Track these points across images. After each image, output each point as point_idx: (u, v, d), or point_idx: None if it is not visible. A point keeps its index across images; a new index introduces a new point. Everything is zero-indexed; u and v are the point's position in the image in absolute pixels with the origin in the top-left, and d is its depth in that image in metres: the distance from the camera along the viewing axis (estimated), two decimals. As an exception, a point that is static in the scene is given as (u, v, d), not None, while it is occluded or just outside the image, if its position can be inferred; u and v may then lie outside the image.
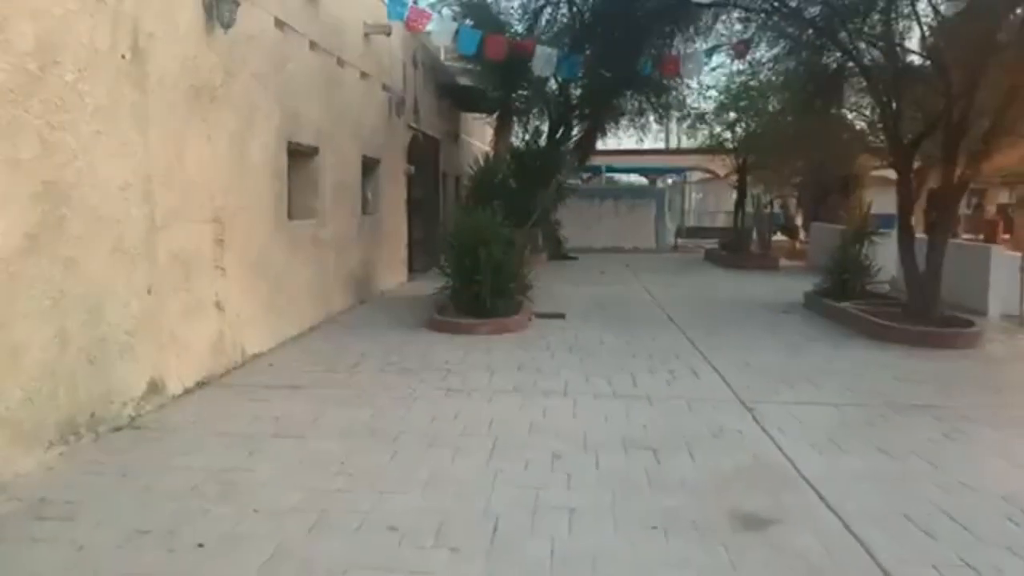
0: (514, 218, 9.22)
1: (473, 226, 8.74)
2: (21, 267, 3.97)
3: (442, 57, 16.22)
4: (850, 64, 9.63)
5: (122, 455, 4.31)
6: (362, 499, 3.75)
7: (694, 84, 15.51)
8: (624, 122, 15.24)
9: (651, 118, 14.42)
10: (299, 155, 8.24)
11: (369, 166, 10.92)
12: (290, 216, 7.93)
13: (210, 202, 6.04)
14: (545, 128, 15.10)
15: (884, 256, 11.40)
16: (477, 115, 20.70)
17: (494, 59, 11.00)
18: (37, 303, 4.09)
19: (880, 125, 13.41)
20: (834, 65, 9.52)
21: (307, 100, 8.20)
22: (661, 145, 31.59)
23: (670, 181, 29.34)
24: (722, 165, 27.89)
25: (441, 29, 10.75)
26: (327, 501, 3.73)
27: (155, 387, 5.24)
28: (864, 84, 9.86)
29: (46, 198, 4.14)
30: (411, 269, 13.51)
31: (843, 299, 9.92)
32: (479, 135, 21.90)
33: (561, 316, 9.48)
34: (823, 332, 8.85)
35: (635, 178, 30.75)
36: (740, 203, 18.64)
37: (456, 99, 16.58)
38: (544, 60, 10.97)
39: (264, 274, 7.12)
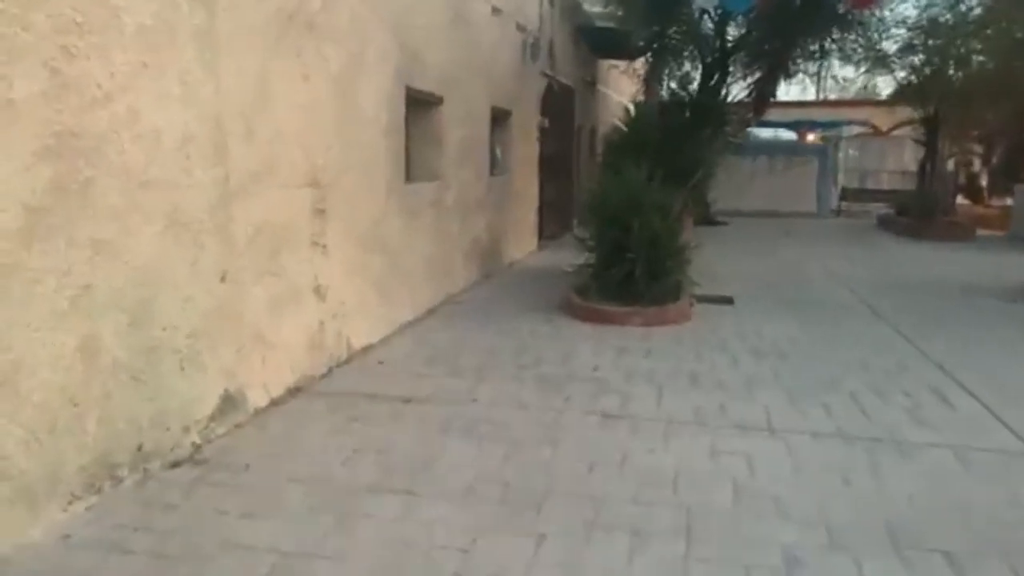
0: (669, 179, 7.50)
1: (624, 190, 7.11)
2: (20, 254, 2.78)
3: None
4: None
5: (168, 515, 3.11)
6: (498, 642, 2.35)
7: (878, 19, 12.93)
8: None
9: (828, 61, 12.03)
10: (419, 104, 6.88)
11: (499, 118, 9.47)
12: (408, 178, 6.61)
13: (307, 161, 4.76)
14: (696, 75, 13.03)
15: None
16: (615, 62, 18.80)
17: (648, -11, 9.16)
18: (48, 305, 2.90)
19: None
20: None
21: (430, 37, 6.79)
22: (810, 96, 28.29)
23: (812, 136, 26.15)
24: (890, 118, 24.60)
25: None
26: (443, 641, 2.35)
27: (230, 402, 4.05)
28: None
29: (60, 155, 2.92)
30: (540, 235, 12.08)
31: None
32: (615, 85, 19.97)
33: (729, 301, 7.76)
34: (1086, 333, 6.69)
35: (783, 134, 27.75)
36: (929, 160, 15.84)
37: (594, 43, 14.81)
38: (709, -13, 9.05)
39: (375, 249, 5.85)
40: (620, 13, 12.22)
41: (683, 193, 7.98)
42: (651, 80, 11.74)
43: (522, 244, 10.86)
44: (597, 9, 14.07)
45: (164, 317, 3.53)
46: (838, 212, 19.44)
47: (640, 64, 21.38)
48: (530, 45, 10.20)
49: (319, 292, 4.99)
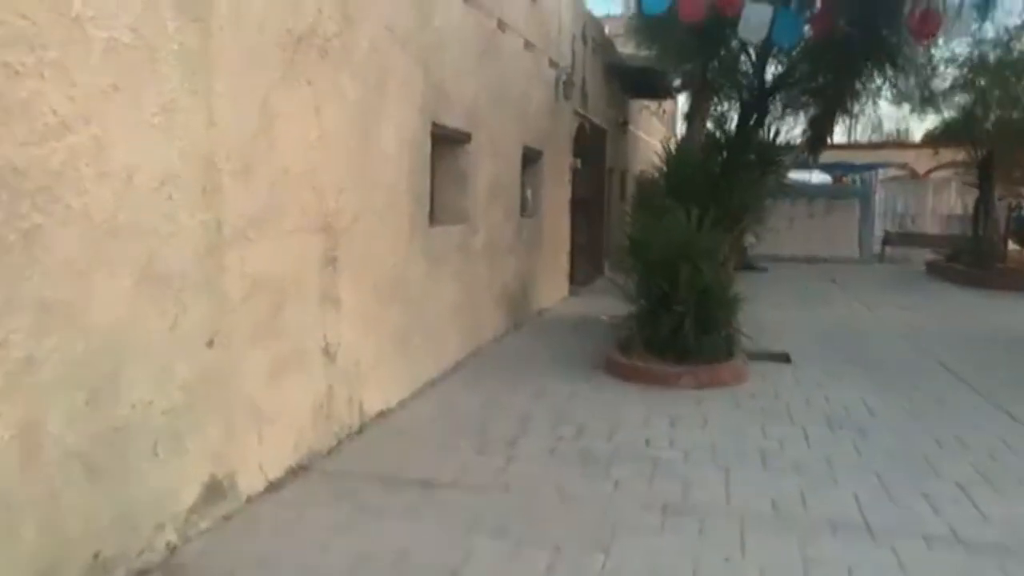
0: (715, 224, 6.84)
1: (669, 235, 6.44)
2: (-66, 324, 2.17)
3: (606, 32, 14.03)
4: None
5: (119, 654, 2.44)
6: None
7: (928, 57, 12.31)
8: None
9: (874, 101, 11.35)
10: (446, 141, 6.32)
11: (530, 158, 8.90)
12: (432, 221, 6.02)
13: (317, 203, 4.17)
14: (735, 114, 12.43)
15: None
16: (646, 103, 18.30)
17: (690, 19, 8.57)
18: (-28, 386, 2.29)
19: None
20: None
21: (458, 70, 6.25)
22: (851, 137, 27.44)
23: (846, 179, 25.31)
24: (928, 160, 23.78)
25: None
26: None
27: (217, 490, 3.39)
28: None
29: (-5, 197, 2.33)
30: (571, 280, 11.41)
31: None
32: (645, 127, 19.51)
33: (785, 358, 7.00)
34: None
35: (815, 177, 26.90)
36: (983, 204, 15.01)
37: (626, 83, 14.32)
38: (756, 21, 8.42)
39: (395, 300, 5.22)
40: (655, 52, 11.72)
41: (732, 239, 7.31)
42: (691, 119, 11.16)
43: (553, 290, 10.20)
44: (629, 50, 13.66)
45: (134, 392, 2.90)
46: (881, 258, 18.56)
47: (670, 105, 20.89)
48: (563, 83, 9.69)
49: (329, 352, 4.35)
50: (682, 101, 18.65)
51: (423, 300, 5.72)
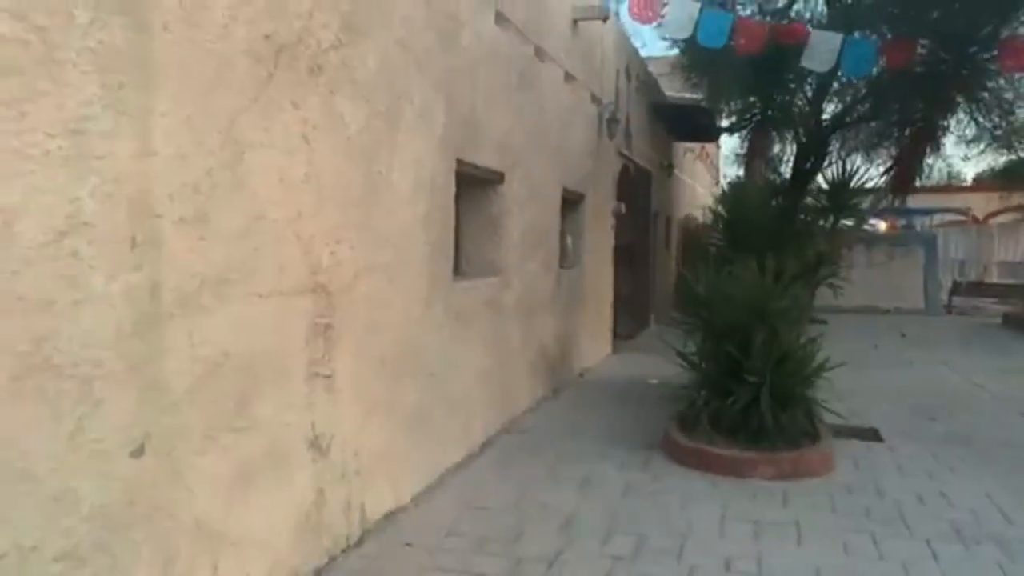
0: (793, 277, 5.85)
1: (742, 292, 5.44)
2: None
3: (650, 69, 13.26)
4: None
5: None
6: None
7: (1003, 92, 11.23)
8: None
9: (950, 137, 10.28)
10: (473, 182, 5.46)
11: (571, 202, 8.02)
12: (457, 273, 5.13)
13: (305, 258, 3.29)
14: (790, 155, 11.47)
15: None
16: (689, 145, 17.47)
17: (749, 51, 7.70)
18: None
19: None
20: None
21: (489, 100, 5.41)
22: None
23: (905, 224, 23.92)
24: (996, 202, 22.38)
25: (677, 16, 7.63)
26: None
27: (144, 655, 2.45)
28: None
29: None
30: (614, 335, 10.41)
31: None
32: (690, 170, 18.61)
33: (875, 436, 5.90)
34: None
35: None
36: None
37: (671, 123, 13.48)
38: (823, 50, 7.52)
39: (408, 372, 4.30)
40: (705, 89, 10.86)
41: (809, 295, 6.29)
42: (750, 159, 10.18)
43: (595, 348, 9.20)
44: (673, 92, 12.87)
45: (4, 536, 2.00)
46: (949, 309, 17.17)
47: (712, 149, 20.03)
48: (607, 120, 8.84)
49: (318, 446, 3.42)
50: (729, 143, 17.86)
51: (445, 368, 4.79)
